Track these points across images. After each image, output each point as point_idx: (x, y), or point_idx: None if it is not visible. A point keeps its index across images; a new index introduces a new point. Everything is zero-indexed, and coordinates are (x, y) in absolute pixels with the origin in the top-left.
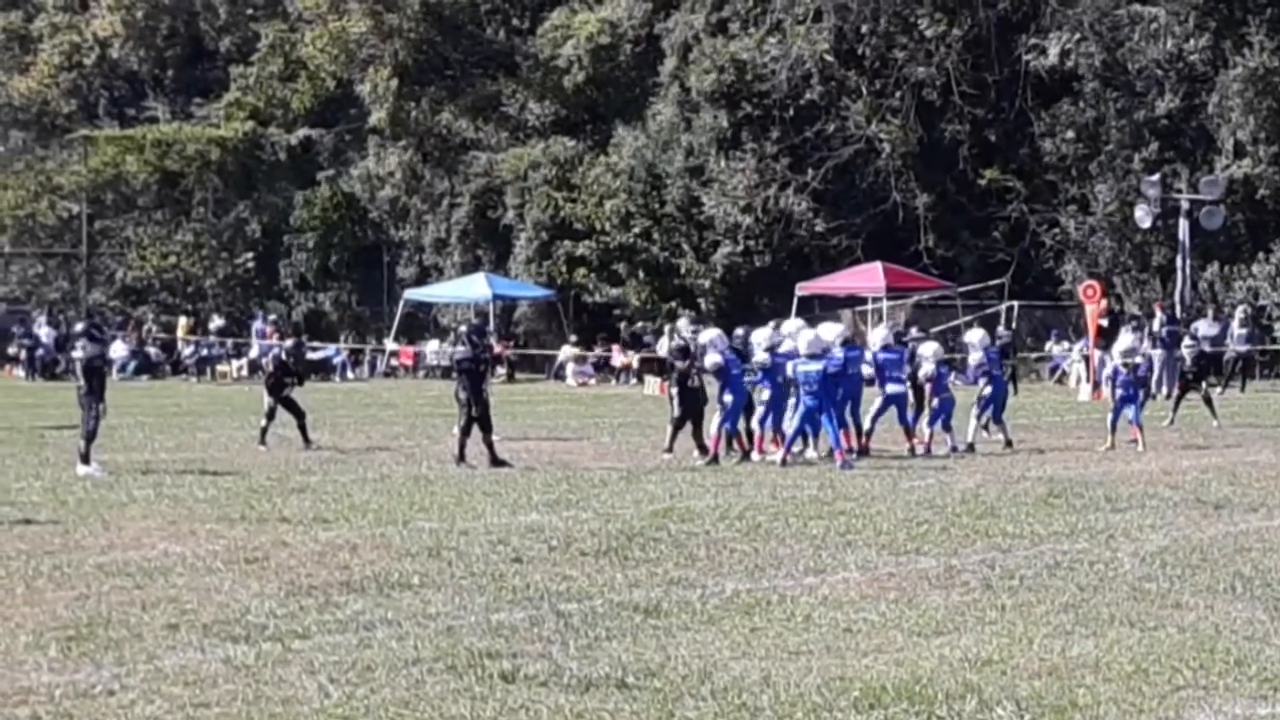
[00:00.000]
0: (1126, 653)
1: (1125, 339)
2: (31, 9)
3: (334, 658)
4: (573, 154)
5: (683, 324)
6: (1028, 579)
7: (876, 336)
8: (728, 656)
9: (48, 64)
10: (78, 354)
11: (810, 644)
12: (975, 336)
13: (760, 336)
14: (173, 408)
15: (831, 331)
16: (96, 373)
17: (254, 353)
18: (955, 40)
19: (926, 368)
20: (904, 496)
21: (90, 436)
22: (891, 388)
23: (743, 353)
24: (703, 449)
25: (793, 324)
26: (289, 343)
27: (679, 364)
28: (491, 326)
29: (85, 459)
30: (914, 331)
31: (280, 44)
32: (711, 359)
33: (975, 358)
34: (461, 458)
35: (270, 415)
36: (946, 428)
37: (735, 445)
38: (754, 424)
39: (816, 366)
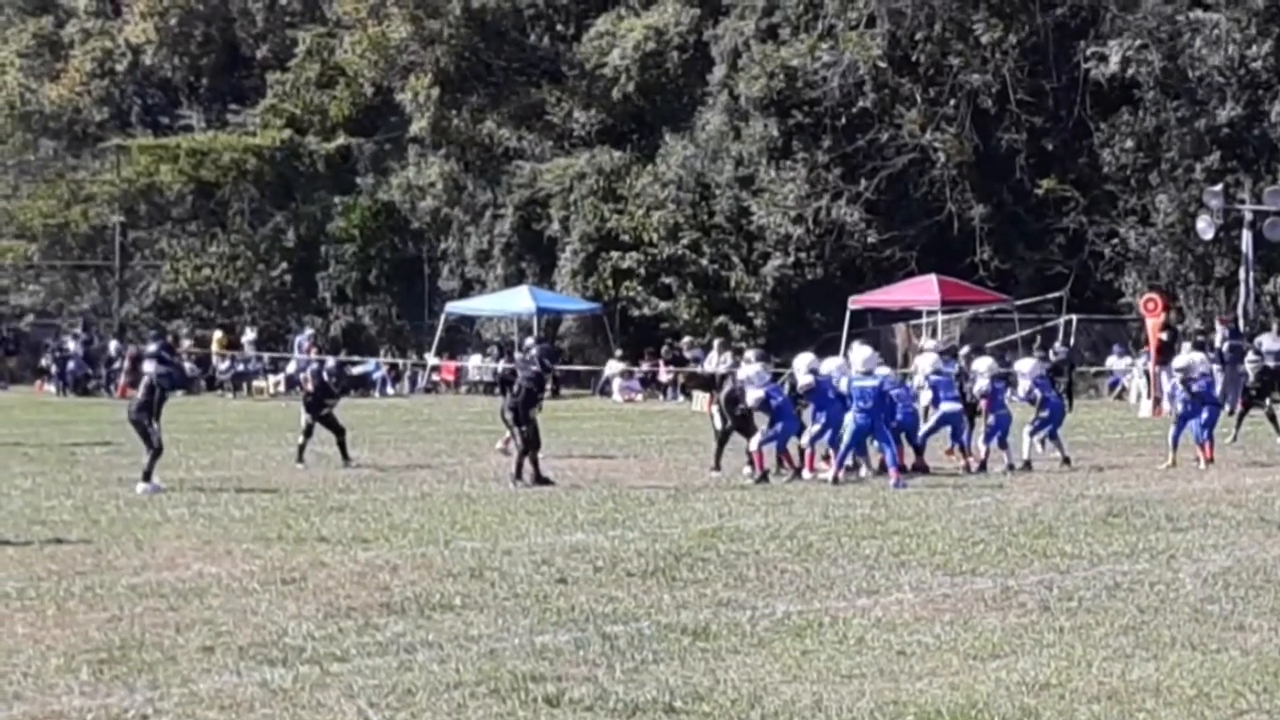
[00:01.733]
0: (1188, 676)
1: (1185, 356)
2: (62, 14)
3: (373, 681)
4: (619, 164)
5: (752, 364)
6: (1086, 600)
7: (925, 363)
8: (778, 680)
9: (79, 71)
10: (148, 369)
11: (863, 667)
12: (1026, 366)
13: (801, 362)
14: (208, 424)
15: (861, 355)
16: (162, 393)
17: (292, 367)
18: (1012, 47)
19: (981, 384)
20: (959, 515)
21: (158, 453)
22: (946, 406)
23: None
24: (751, 464)
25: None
26: (332, 362)
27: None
28: (534, 340)
29: (148, 476)
30: (965, 349)
31: (318, 50)
32: (753, 395)
33: (1024, 387)
34: (519, 475)
35: (308, 432)
36: (1003, 444)
37: (785, 463)
38: (804, 442)
39: (871, 383)
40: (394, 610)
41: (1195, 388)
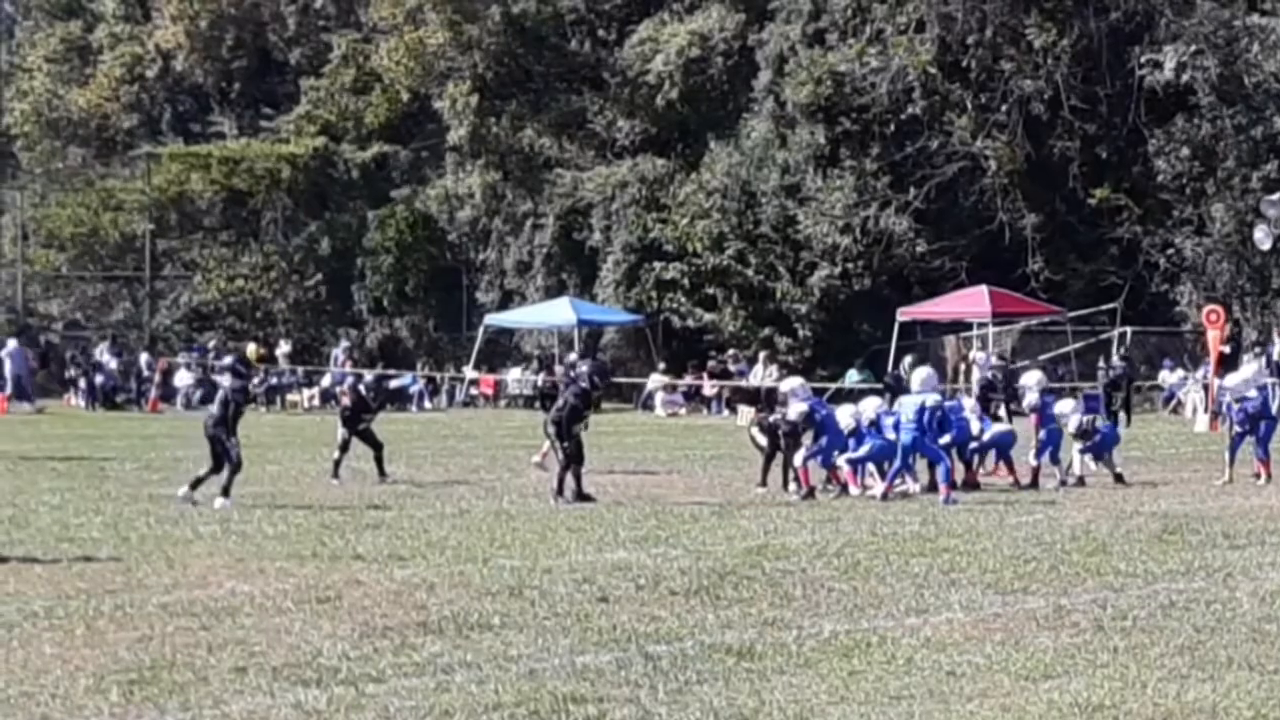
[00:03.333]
0: (1245, 698)
1: (1244, 370)
2: (91, 19)
3: (410, 702)
4: (662, 172)
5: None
6: (1141, 620)
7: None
8: (825, 701)
9: (108, 77)
10: (224, 383)
11: (912, 688)
12: (1032, 379)
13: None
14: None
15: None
16: (237, 408)
17: (327, 381)
18: (1065, 52)
19: (1030, 397)
20: (1011, 533)
21: (237, 469)
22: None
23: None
24: (797, 480)
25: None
26: (369, 376)
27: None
28: (578, 356)
29: (226, 492)
30: (995, 362)
31: (353, 56)
32: (796, 409)
33: (1031, 399)
34: (560, 491)
35: (344, 448)
36: (1054, 460)
37: (833, 479)
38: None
39: (918, 400)
40: (431, 630)
41: (1250, 408)
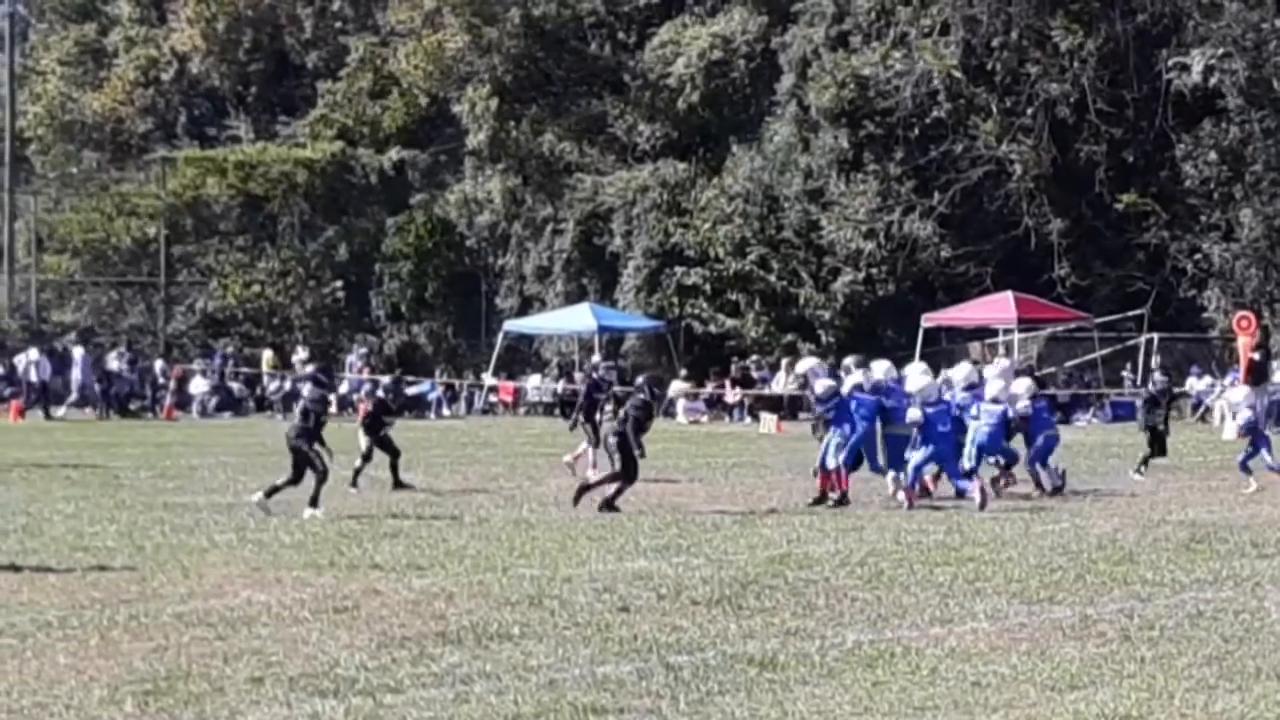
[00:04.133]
0: (1274, 708)
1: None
2: (106, 21)
3: (428, 713)
4: (684, 177)
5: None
6: (1169, 630)
7: (958, 374)
8: (848, 713)
9: (123, 80)
10: (306, 393)
11: (937, 699)
12: (1022, 386)
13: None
14: (257, 447)
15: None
16: (318, 417)
17: (344, 388)
18: (1091, 54)
19: (1020, 405)
20: (1036, 541)
21: (323, 478)
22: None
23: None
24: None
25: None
26: (388, 379)
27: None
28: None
29: (315, 502)
30: (1159, 376)
31: (371, 59)
32: (823, 384)
33: (1022, 406)
34: (611, 505)
35: (366, 457)
36: (1044, 464)
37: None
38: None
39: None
40: (450, 640)
41: (1251, 419)
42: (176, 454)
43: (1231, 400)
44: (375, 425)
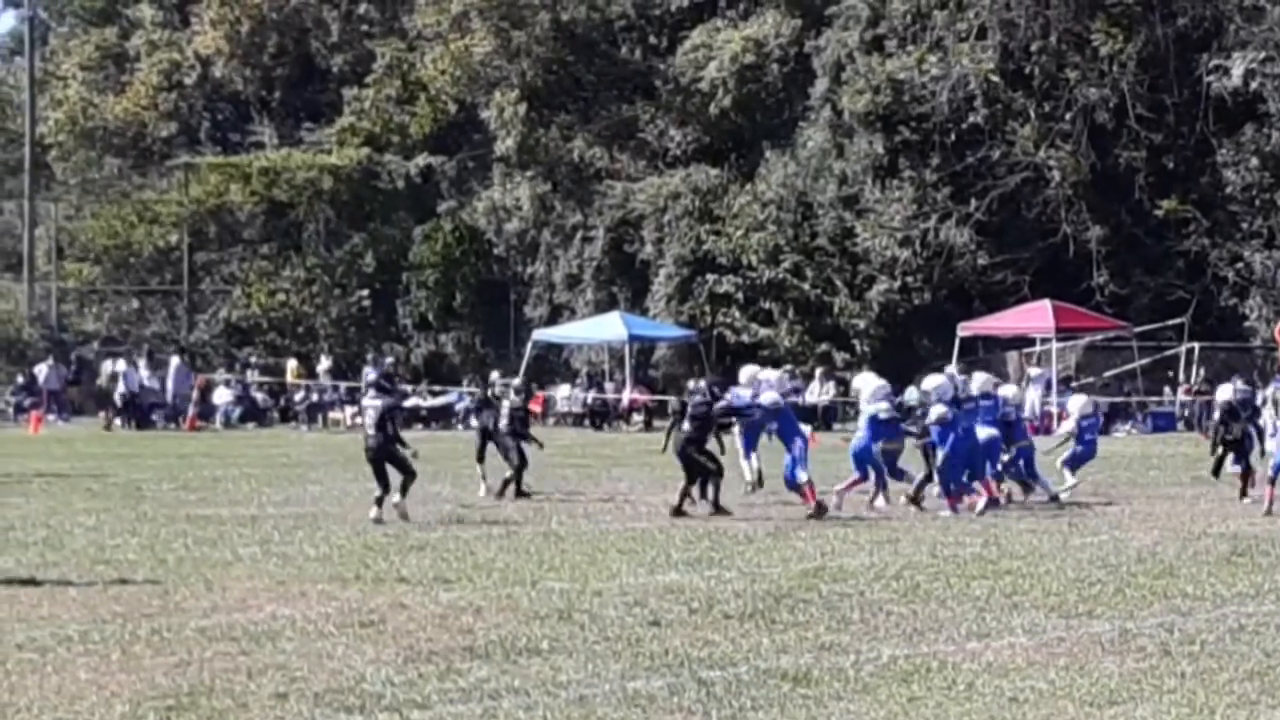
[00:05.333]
0: None
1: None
2: (128, 25)
3: None
4: (716, 183)
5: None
6: (1209, 644)
7: (976, 383)
8: None
9: (145, 84)
10: (369, 403)
11: (973, 715)
12: (1010, 391)
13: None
14: (281, 458)
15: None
16: (393, 422)
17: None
18: (1130, 59)
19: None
20: (1074, 554)
21: (412, 476)
22: (982, 432)
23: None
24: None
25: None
26: (517, 381)
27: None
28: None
29: (404, 490)
30: (1241, 385)
31: (398, 64)
32: (769, 397)
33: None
34: (718, 507)
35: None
36: (1032, 475)
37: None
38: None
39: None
40: (478, 655)
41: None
42: (199, 465)
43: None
44: (522, 432)
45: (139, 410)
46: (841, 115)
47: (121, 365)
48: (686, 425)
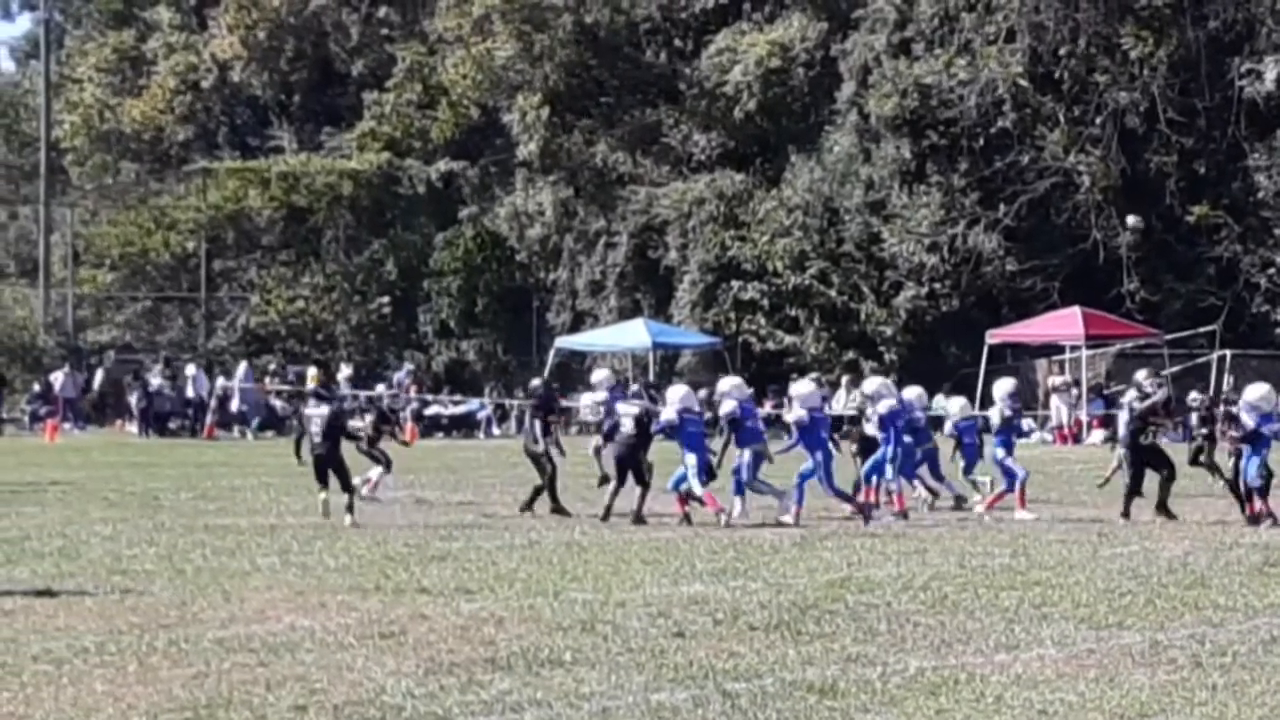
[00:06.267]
0: None
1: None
2: (144, 27)
3: None
4: (741, 188)
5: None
6: (1241, 656)
7: (869, 386)
8: None
9: (162, 88)
10: (313, 412)
11: None
12: (955, 406)
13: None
14: (301, 467)
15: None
16: (341, 430)
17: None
18: (1161, 62)
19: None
20: (1105, 565)
21: (351, 495)
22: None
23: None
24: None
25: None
26: (636, 385)
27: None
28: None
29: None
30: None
31: (418, 68)
32: (727, 406)
33: (960, 415)
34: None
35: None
36: (910, 478)
37: (699, 502)
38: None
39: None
40: (499, 666)
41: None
42: (217, 475)
43: None
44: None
45: (156, 418)
46: (868, 119)
47: (191, 370)
48: (631, 428)
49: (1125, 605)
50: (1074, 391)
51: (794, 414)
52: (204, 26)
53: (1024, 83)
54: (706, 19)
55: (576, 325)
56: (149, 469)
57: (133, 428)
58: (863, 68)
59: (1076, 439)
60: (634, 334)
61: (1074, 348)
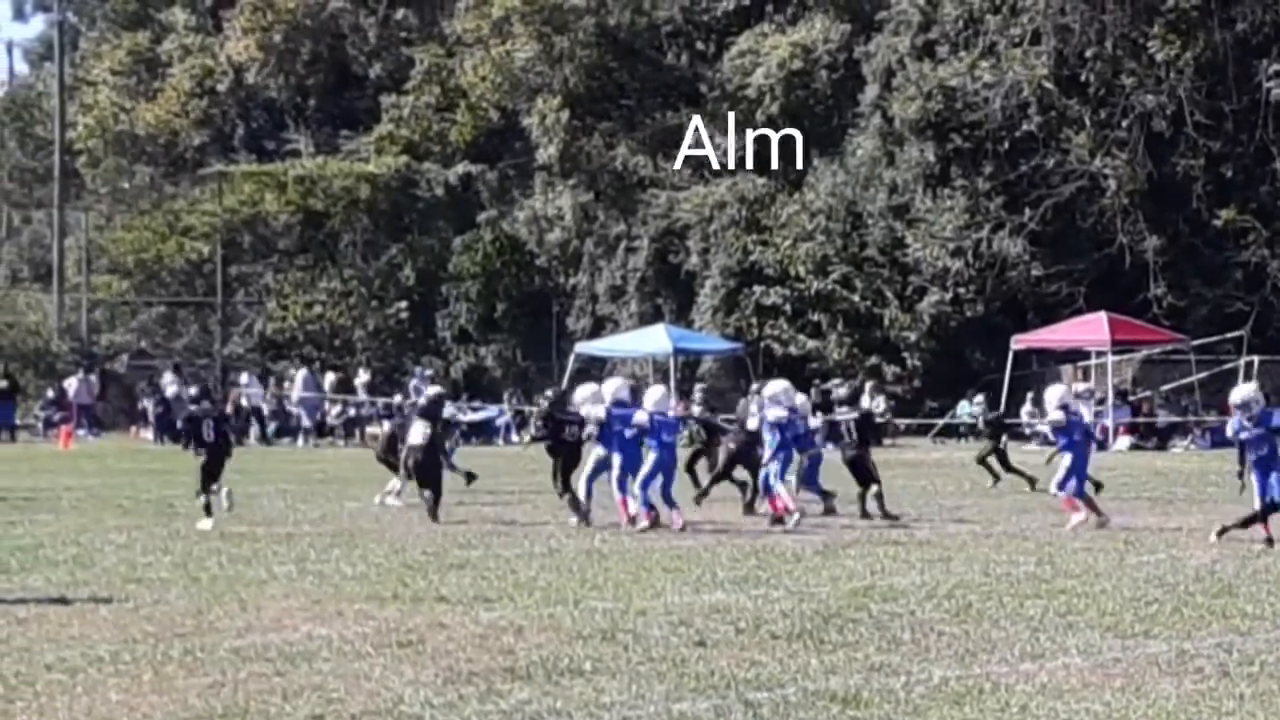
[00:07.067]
0: None
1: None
2: (159, 29)
3: None
4: (763, 192)
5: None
6: (1269, 665)
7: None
8: None
9: (177, 90)
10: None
11: None
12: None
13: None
14: (317, 474)
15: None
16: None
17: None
18: (1188, 65)
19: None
20: (1131, 573)
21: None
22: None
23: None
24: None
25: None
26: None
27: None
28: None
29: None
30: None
31: (437, 71)
32: (594, 412)
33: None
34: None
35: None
36: (812, 483)
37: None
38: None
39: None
40: (519, 675)
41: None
42: (232, 482)
43: None
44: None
45: (172, 425)
46: (892, 122)
47: (245, 378)
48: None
49: (1152, 614)
50: (1096, 397)
51: (773, 414)
52: (219, 29)
53: (1049, 85)
54: (728, 21)
55: (596, 331)
56: (164, 476)
57: (147, 434)
58: (886, 70)
59: (1101, 446)
60: (655, 339)
61: (1100, 353)
